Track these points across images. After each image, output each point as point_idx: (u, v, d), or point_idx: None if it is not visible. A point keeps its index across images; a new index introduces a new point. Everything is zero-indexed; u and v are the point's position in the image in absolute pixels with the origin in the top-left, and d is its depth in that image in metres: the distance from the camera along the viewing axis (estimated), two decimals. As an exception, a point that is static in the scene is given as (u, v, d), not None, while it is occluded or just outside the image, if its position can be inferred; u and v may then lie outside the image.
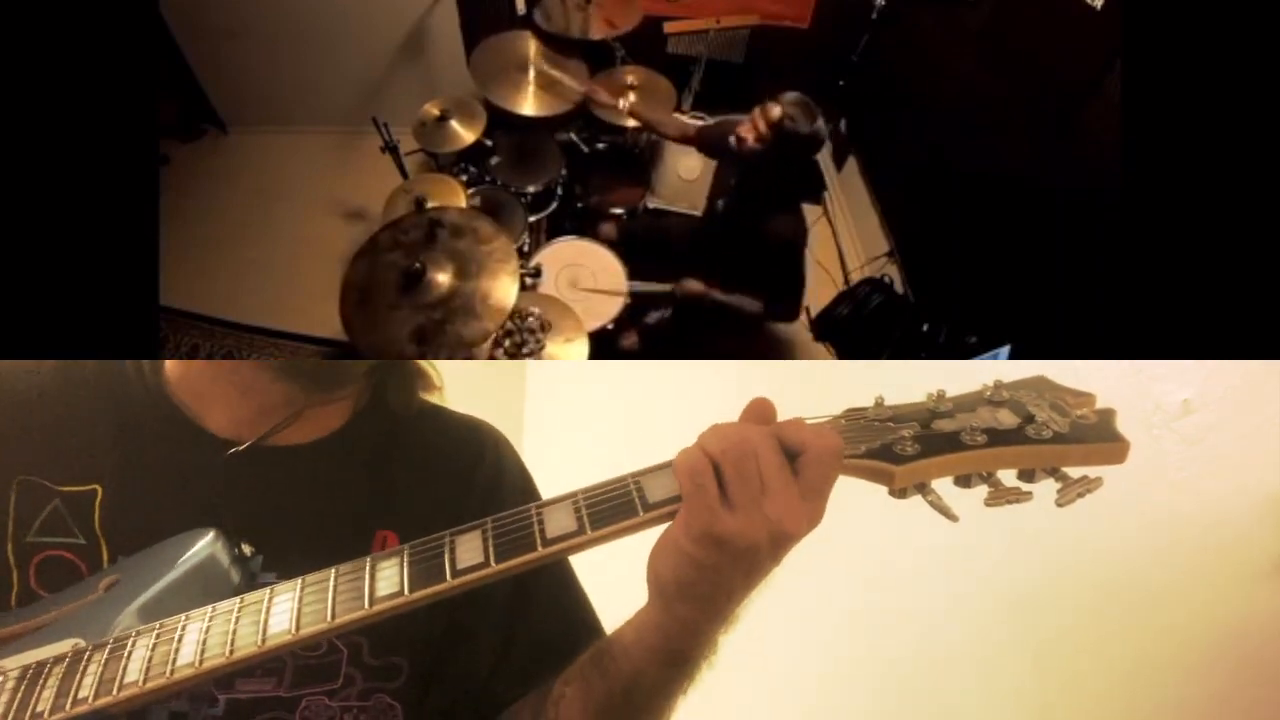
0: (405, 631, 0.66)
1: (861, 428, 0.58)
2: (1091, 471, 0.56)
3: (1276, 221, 0.76)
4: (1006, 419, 0.58)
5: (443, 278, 1.51)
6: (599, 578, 0.77)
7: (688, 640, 0.56)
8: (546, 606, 0.73)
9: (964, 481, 0.57)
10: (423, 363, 0.80)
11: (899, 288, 2.45)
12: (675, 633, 0.55)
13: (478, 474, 0.76)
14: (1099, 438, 0.57)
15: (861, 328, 2.33)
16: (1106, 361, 1.10)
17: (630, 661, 0.58)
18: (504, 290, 1.51)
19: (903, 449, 0.56)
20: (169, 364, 0.71)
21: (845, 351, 2.40)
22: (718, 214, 2.09)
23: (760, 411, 0.55)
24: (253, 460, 0.67)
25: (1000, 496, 0.56)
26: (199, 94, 2.98)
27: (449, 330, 1.48)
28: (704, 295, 2.00)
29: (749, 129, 1.78)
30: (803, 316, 2.49)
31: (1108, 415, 0.59)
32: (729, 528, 0.50)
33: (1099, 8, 1.64)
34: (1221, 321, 0.79)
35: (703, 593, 0.53)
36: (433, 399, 0.80)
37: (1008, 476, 0.57)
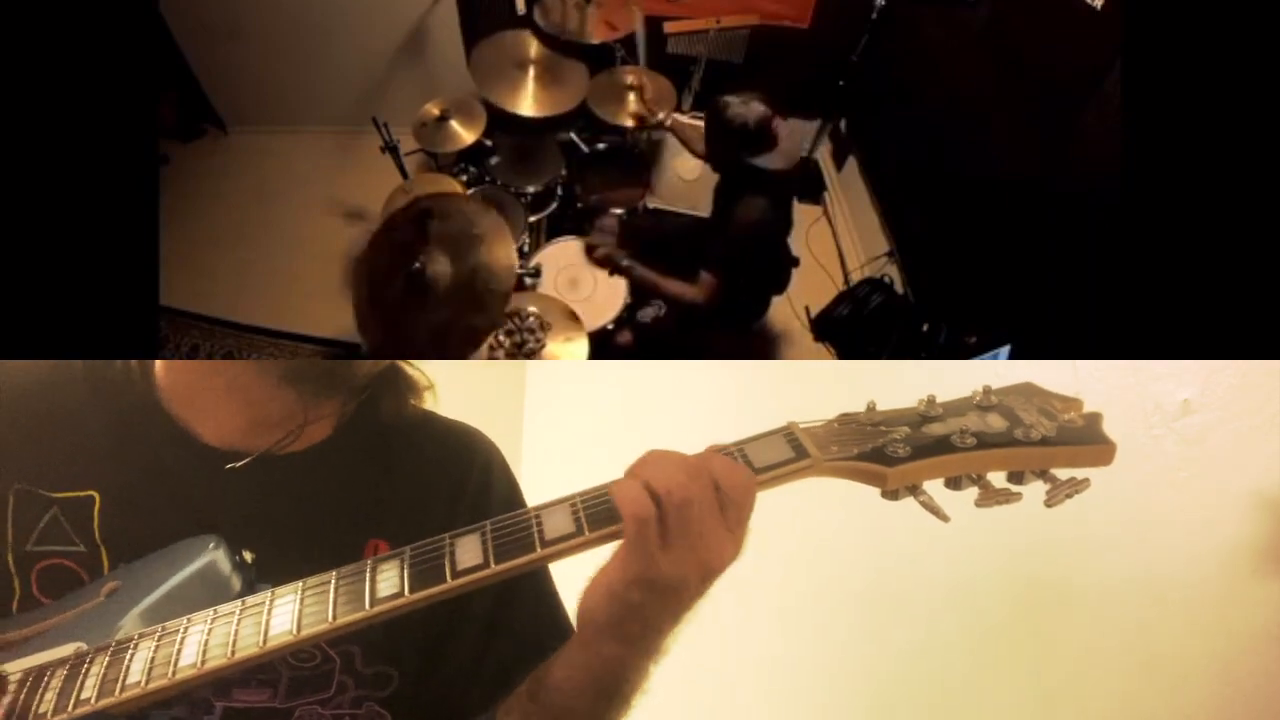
0: (397, 640, 0.66)
1: (854, 431, 0.59)
2: (1079, 473, 0.58)
3: (1276, 221, 0.76)
4: (996, 423, 0.59)
5: (442, 268, 1.50)
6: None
7: (616, 676, 0.57)
8: (526, 612, 0.73)
9: (955, 483, 0.59)
10: (409, 368, 0.79)
11: (899, 288, 2.45)
12: (602, 670, 0.57)
13: (468, 482, 0.76)
14: (1086, 440, 0.59)
15: (861, 328, 2.33)
16: (1106, 361, 1.10)
17: (561, 695, 0.60)
18: (503, 261, 1.49)
19: (895, 451, 0.57)
20: (159, 368, 0.70)
21: (845, 351, 2.40)
22: (717, 209, 2.11)
23: (700, 459, 0.56)
24: (247, 469, 0.67)
25: (990, 498, 0.57)
26: (199, 94, 2.98)
27: (462, 323, 1.47)
28: (626, 268, 2.01)
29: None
30: (803, 316, 2.50)
31: (1094, 419, 0.61)
32: (663, 571, 0.51)
33: (1099, 8, 1.63)
34: (1221, 321, 0.79)
35: (632, 632, 0.54)
36: (425, 400, 0.80)
37: (997, 478, 0.59)
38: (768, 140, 1.78)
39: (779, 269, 2.17)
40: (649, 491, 0.52)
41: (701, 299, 1.93)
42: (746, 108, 1.76)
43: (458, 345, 1.45)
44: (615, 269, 2.06)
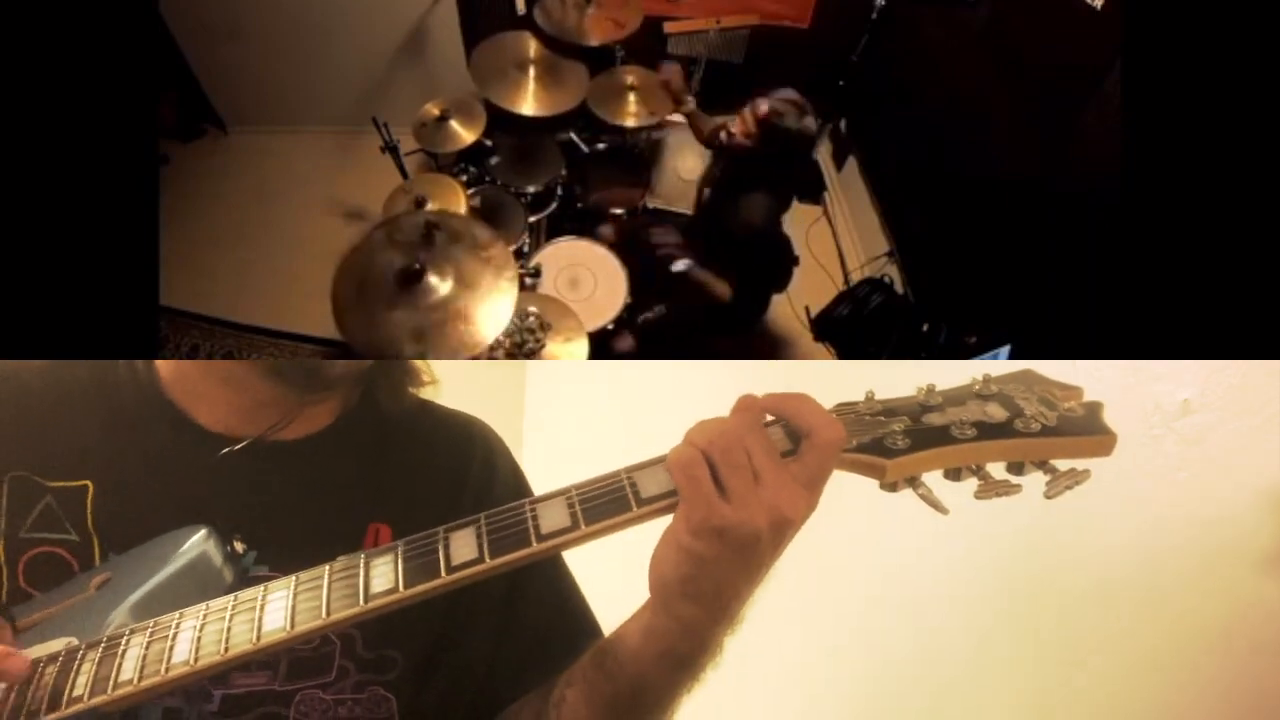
0: (400, 624, 0.66)
1: (852, 422, 0.58)
2: (1080, 464, 0.57)
3: (1276, 221, 0.76)
4: (995, 413, 0.58)
5: (442, 281, 1.51)
6: (587, 572, 0.77)
7: (692, 642, 0.55)
8: (541, 601, 0.74)
9: (954, 474, 0.58)
10: (414, 360, 0.80)
11: (899, 288, 2.45)
12: (679, 635, 0.55)
13: (471, 470, 0.76)
14: (1086, 430, 0.58)
15: (861, 328, 2.33)
16: (1106, 361, 1.10)
17: (636, 664, 0.58)
18: (503, 299, 1.51)
19: (893, 443, 0.56)
20: (161, 363, 0.71)
21: (845, 351, 2.39)
22: (704, 204, 2.10)
23: (746, 406, 0.55)
24: (244, 456, 0.67)
25: (990, 489, 0.56)
26: (199, 94, 2.98)
27: (448, 333, 1.47)
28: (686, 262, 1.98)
29: (738, 124, 1.82)
30: (803, 316, 2.49)
31: (1095, 408, 0.59)
32: (728, 518, 0.50)
33: (1099, 8, 1.64)
34: (1221, 321, 0.79)
35: (705, 589, 0.52)
36: (426, 394, 0.80)
37: (997, 469, 0.58)
38: (813, 146, 1.79)
39: (780, 266, 2.17)
40: (693, 445, 0.51)
41: (729, 298, 1.95)
42: (803, 121, 1.76)
43: (445, 350, 1.45)
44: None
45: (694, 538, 0.51)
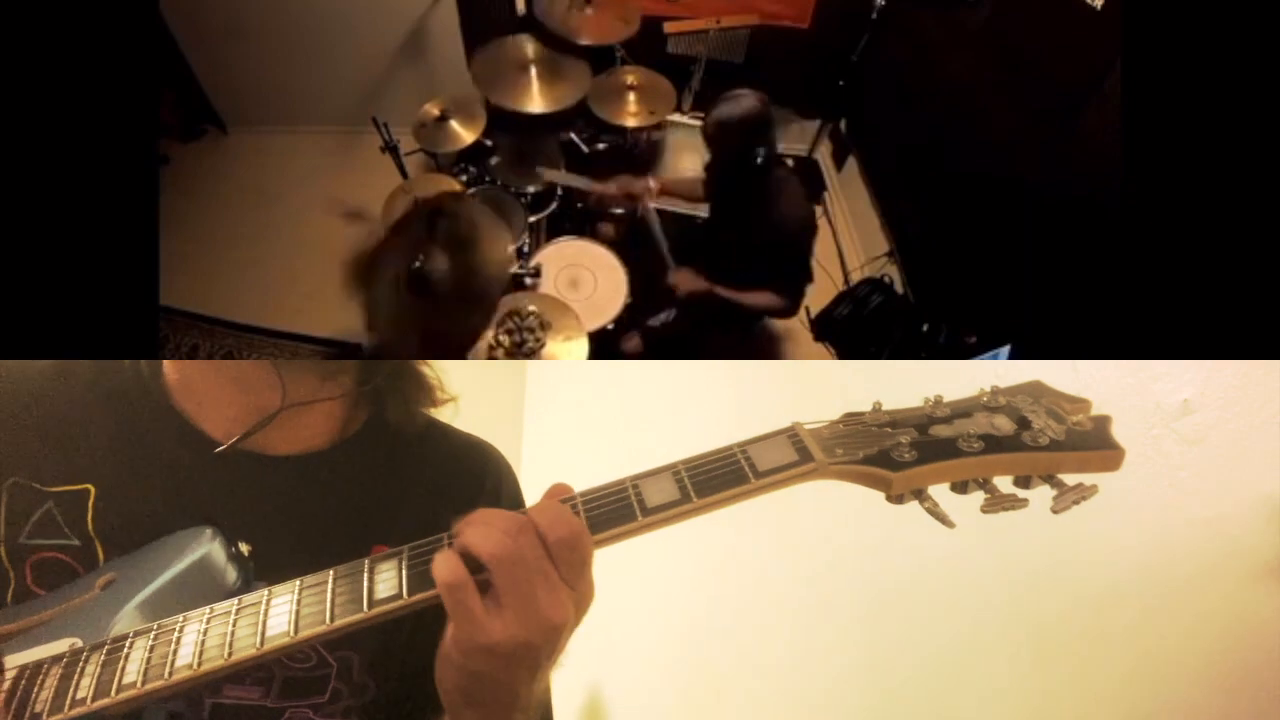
0: (391, 655, 0.66)
1: (859, 433, 0.58)
2: (1087, 479, 0.56)
3: (1277, 222, 0.76)
4: (1003, 425, 0.58)
5: (441, 265, 1.50)
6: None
7: None
8: None
9: (961, 487, 0.57)
10: (430, 375, 0.78)
11: (899, 288, 2.45)
12: None
13: (480, 498, 0.76)
14: (1095, 445, 0.57)
15: (861, 328, 2.33)
16: (1106, 361, 1.10)
17: None
18: (499, 256, 1.50)
19: (900, 455, 0.56)
20: (167, 365, 0.71)
21: (845, 351, 2.40)
22: (713, 213, 2.12)
23: (556, 494, 0.55)
24: (248, 466, 0.67)
25: (996, 503, 0.56)
26: (199, 94, 2.98)
27: (458, 325, 1.47)
28: (708, 292, 1.97)
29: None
30: (803, 316, 2.49)
31: (1103, 422, 0.59)
32: (495, 635, 0.49)
33: (1099, 8, 1.64)
34: (1221, 321, 0.79)
35: (484, 699, 0.52)
36: (444, 412, 0.79)
37: (1004, 483, 0.57)
38: (771, 119, 1.79)
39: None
40: (467, 555, 0.50)
41: (782, 304, 1.95)
42: (738, 103, 1.76)
43: (454, 348, 1.45)
44: (702, 296, 2.01)
45: (465, 656, 0.50)
